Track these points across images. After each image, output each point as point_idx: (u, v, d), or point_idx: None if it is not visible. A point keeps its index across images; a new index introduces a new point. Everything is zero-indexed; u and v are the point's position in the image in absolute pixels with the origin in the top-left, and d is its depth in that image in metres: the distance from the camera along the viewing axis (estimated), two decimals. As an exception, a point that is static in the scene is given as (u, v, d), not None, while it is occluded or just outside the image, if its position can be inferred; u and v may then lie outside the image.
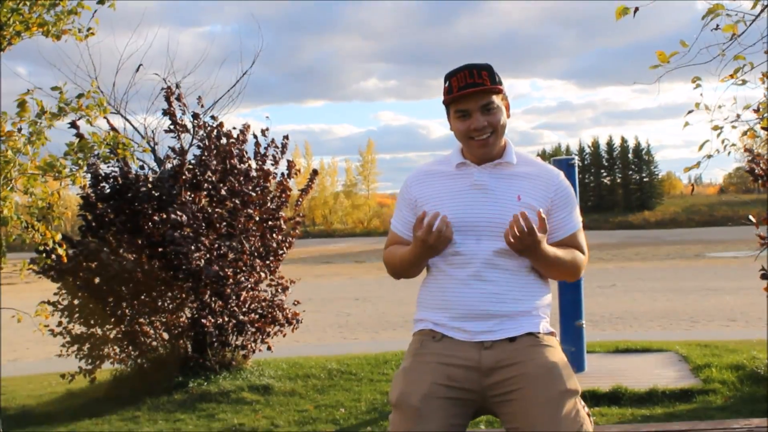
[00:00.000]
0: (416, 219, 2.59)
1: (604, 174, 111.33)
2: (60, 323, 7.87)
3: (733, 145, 5.11)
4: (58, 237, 5.06)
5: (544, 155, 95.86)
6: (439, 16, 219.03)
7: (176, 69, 9.24)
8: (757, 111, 5.64)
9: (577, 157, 7.74)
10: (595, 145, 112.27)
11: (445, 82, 2.68)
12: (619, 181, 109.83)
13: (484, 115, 2.63)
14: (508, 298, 2.60)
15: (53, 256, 6.05)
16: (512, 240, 2.49)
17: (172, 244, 7.64)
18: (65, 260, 6.29)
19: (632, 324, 13.64)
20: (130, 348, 8.17)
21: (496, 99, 2.65)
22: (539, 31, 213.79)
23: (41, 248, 5.51)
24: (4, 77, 6.46)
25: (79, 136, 7.15)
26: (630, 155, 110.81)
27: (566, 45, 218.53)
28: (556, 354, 2.60)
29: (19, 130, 4.81)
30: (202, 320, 7.80)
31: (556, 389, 2.47)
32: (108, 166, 8.14)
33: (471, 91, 2.60)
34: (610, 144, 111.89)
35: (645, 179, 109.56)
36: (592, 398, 6.47)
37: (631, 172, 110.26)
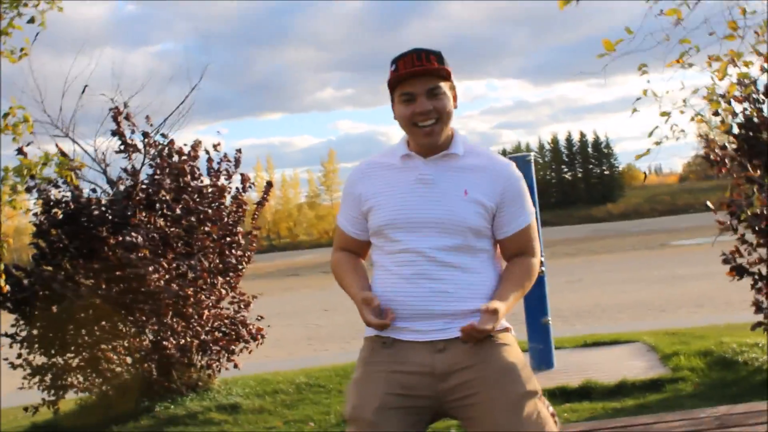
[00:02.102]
0: (364, 302, 2.49)
1: (565, 170, 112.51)
2: (20, 355, 7.67)
3: (682, 131, 5.08)
4: (1, 267, 4.91)
5: (504, 154, 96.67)
6: (390, 21, 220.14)
7: (125, 89, 9.04)
8: (707, 98, 5.61)
9: (534, 153, 7.70)
10: (555, 141, 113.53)
11: (391, 66, 2.56)
12: (580, 175, 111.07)
13: (430, 99, 2.50)
14: (456, 297, 2.48)
15: (7, 287, 5.90)
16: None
17: (129, 266, 7.48)
18: (5, 290, 6.10)
19: (601, 317, 13.70)
20: (94, 375, 7.98)
21: (444, 85, 2.54)
22: (491, 31, 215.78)
23: None
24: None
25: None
26: (589, 149, 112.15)
27: (518, 44, 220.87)
28: (513, 353, 2.51)
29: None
30: (164, 342, 7.65)
31: (515, 392, 2.40)
32: (59, 191, 7.98)
33: (418, 70, 2.48)
34: (569, 140, 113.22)
35: (606, 172, 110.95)
36: (562, 395, 6.42)
37: (591, 166, 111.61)
